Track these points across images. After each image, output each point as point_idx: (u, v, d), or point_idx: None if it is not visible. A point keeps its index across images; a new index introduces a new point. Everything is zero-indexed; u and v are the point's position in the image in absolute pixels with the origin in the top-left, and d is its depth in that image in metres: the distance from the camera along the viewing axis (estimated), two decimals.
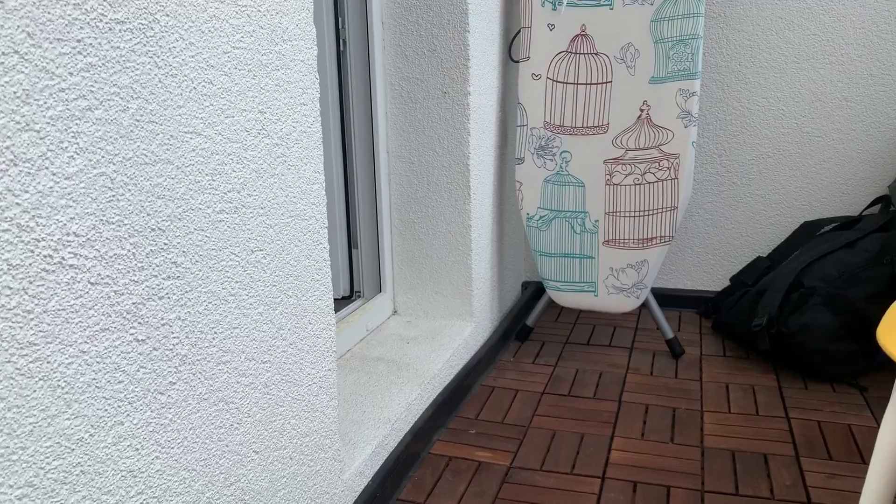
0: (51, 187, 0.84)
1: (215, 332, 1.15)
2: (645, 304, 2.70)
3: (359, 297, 2.52)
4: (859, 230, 2.63)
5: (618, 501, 1.82)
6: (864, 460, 1.97)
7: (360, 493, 1.70)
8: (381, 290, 2.53)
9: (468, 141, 2.36)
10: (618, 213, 2.57)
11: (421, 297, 2.55)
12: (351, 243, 2.50)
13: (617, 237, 2.59)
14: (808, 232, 2.83)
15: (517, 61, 2.62)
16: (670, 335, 2.68)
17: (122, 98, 0.93)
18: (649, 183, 2.52)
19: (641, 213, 2.55)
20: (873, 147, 2.81)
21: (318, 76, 1.39)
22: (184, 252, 1.07)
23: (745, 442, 2.07)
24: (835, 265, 2.52)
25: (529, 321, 2.86)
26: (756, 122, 2.89)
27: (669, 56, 2.45)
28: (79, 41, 0.86)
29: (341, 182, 2.42)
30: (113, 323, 0.94)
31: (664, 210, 2.53)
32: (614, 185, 2.56)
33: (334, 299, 2.40)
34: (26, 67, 0.80)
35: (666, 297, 3.11)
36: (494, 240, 2.71)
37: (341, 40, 2.31)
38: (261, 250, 1.25)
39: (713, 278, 3.09)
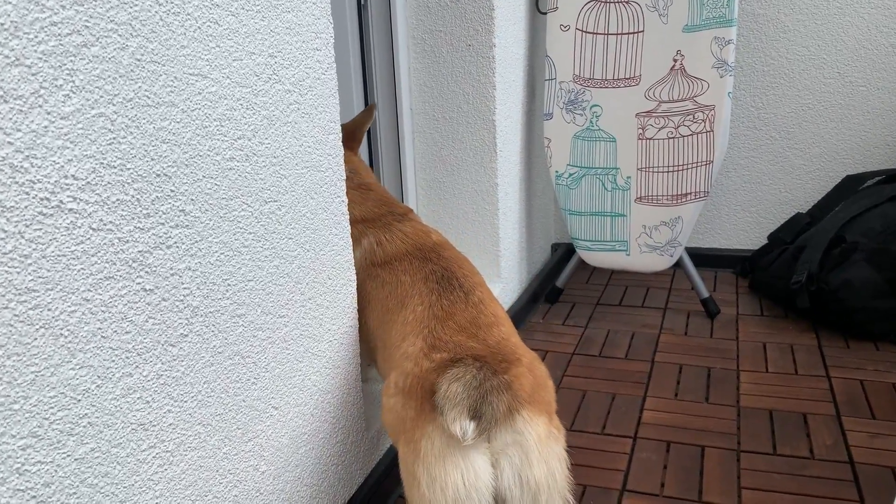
0: (45, 127, 0.80)
1: (229, 284, 1.11)
2: (679, 263, 2.63)
3: None
4: None
5: (650, 461, 1.77)
6: None
7: (386, 451, 1.67)
8: None
9: (494, 96, 2.28)
10: (651, 169, 2.48)
11: None
12: None
13: (650, 194, 2.51)
14: (850, 186, 2.71)
15: (544, 12, 2.53)
16: (705, 294, 2.60)
17: (120, 35, 0.89)
18: (683, 136, 2.43)
19: (675, 168, 2.46)
20: None
21: (332, 20, 1.34)
22: (192, 200, 1.03)
23: (784, 401, 2.00)
24: (879, 219, 2.41)
25: (559, 282, 2.80)
26: (796, 71, 2.77)
27: (704, 3, 2.34)
28: None
29: (364, 141, 2.36)
30: (118, 271, 0.91)
31: (699, 164, 2.43)
32: (647, 139, 2.47)
33: None
34: None
35: (701, 257, 3.02)
36: (522, 199, 2.64)
37: None
38: (275, 201, 1.21)
39: (750, 236, 2.99)
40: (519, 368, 1.18)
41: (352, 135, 1.74)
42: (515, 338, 1.28)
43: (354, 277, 1.49)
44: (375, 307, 1.44)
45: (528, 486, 1.11)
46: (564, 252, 3.12)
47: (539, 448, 1.12)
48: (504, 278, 2.47)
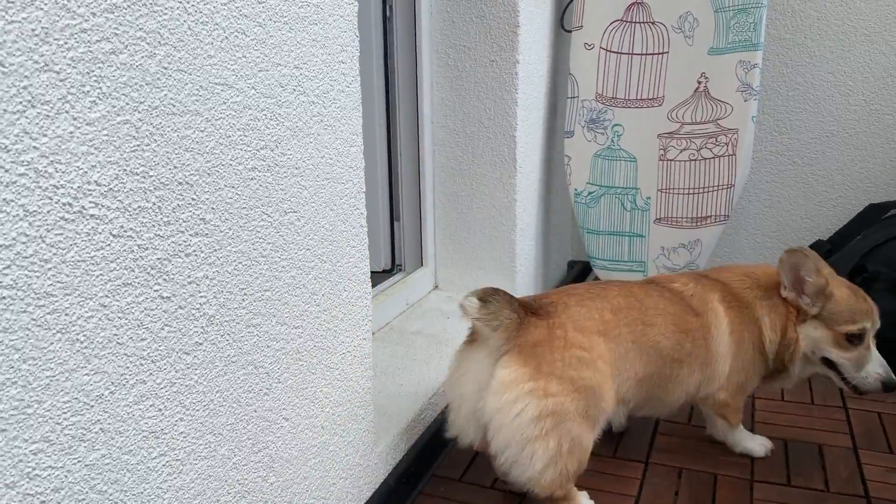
0: (71, 132, 0.80)
1: (245, 294, 1.11)
2: None
3: (400, 270, 2.47)
4: None
5: (661, 487, 1.74)
6: None
7: (395, 466, 1.66)
8: (422, 265, 2.49)
9: (515, 112, 2.28)
10: (671, 190, 2.47)
11: (463, 273, 2.49)
12: (393, 216, 2.45)
13: (669, 215, 2.49)
14: (872, 215, 2.67)
15: (569, 30, 2.53)
16: None
17: (148, 43, 0.89)
18: (705, 159, 2.41)
19: (696, 191, 2.44)
20: None
21: (358, 34, 1.34)
22: (213, 209, 1.03)
23: (799, 431, 1.97)
24: None
25: None
26: (821, 98, 2.74)
27: (730, 26, 2.33)
28: None
29: (384, 152, 2.37)
30: (136, 278, 0.91)
31: (720, 188, 2.42)
32: (668, 160, 2.45)
33: (375, 272, 2.36)
34: (45, 4, 0.76)
35: None
36: (540, 216, 2.63)
37: (387, 6, 2.25)
38: (294, 212, 1.21)
39: (770, 261, 2.95)
40: (540, 319, 1.49)
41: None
42: (576, 311, 1.55)
43: (370, 290, 1.48)
44: None
45: (482, 413, 1.46)
46: (581, 270, 3.11)
47: (499, 386, 1.43)
48: (519, 294, 2.45)
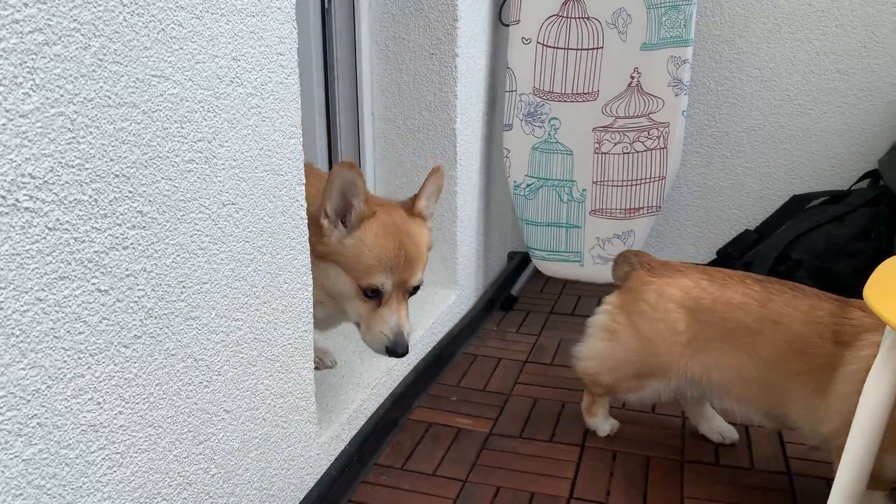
0: (3, 125, 0.80)
1: (184, 287, 1.11)
2: None
3: None
4: (848, 204, 2.61)
5: (597, 469, 1.80)
6: None
7: (337, 456, 1.68)
8: None
9: (455, 105, 2.31)
10: (605, 183, 2.54)
11: None
12: None
13: (604, 207, 2.56)
14: (796, 205, 2.80)
15: (507, 25, 2.57)
16: None
17: (83, 35, 0.88)
18: (638, 152, 2.48)
19: (629, 183, 2.51)
20: (865, 121, 2.78)
21: (296, 26, 1.34)
22: (150, 201, 1.02)
23: (728, 414, 2.06)
24: (822, 239, 2.50)
25: (514, 291, 2.83)
26: (748, 93, 2.85)
27: (662, 22, 2.40)
28: None
29: (325, 144, 2.37)
30: (73, 271, 0.90)
31: (652, 180, 2.49)
32: (603, 153, 2.52)
33: None
34: None
35: None
36: (481, 208, 2.67)
37: None
38: (233, 204, 1.21)
39: (700, 251, 3.07)
40: (647, 275, 1.80)
41: None
42: (678, 281, 1.77)
43: (310, 281, 1.49)
44: None
45: None
46: (520, 261, 3.16)
47: (599, 306, 1.92)
48: (461, 285, 2.49)
